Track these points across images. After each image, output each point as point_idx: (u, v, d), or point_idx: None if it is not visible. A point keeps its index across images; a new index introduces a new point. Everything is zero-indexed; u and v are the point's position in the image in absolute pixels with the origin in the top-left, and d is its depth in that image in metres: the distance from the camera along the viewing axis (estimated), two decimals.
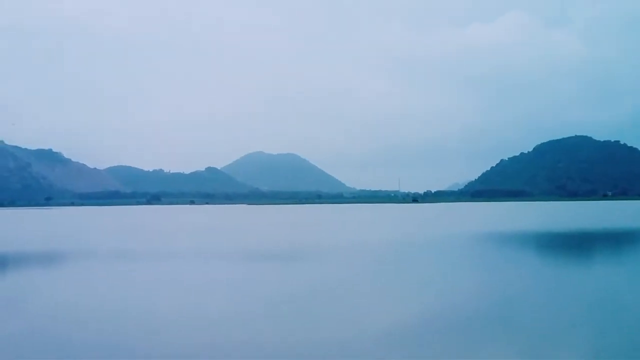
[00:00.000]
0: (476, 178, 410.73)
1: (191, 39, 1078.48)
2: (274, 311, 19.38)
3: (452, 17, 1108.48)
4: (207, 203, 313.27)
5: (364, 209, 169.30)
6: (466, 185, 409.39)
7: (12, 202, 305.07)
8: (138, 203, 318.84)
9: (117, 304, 20.94)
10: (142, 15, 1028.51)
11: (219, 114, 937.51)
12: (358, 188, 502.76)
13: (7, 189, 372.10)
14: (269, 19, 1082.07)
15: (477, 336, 15.59)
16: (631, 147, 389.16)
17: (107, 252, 43.76)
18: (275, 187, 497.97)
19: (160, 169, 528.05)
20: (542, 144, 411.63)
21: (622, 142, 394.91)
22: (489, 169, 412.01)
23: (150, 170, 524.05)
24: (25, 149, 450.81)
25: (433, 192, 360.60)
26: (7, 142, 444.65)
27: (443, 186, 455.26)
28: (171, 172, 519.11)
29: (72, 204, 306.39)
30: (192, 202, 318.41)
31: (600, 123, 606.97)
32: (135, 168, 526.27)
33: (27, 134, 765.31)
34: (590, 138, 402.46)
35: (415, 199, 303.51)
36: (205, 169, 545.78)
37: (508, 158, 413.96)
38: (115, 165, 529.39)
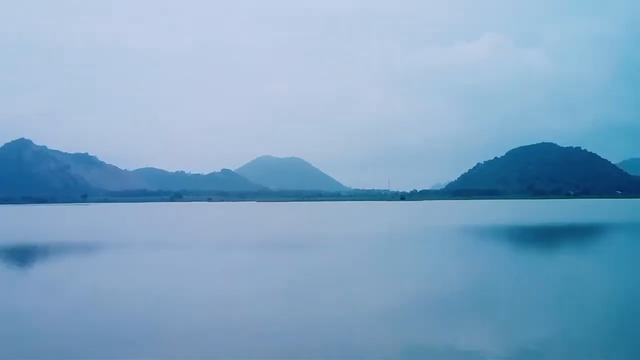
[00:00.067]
0: (456, 179, 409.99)
1: (209, 56, 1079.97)
2: (281, 293, 19.50)
3: (437, 37, 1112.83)
4: (222, 200, 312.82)
5: (359, 206, 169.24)
6: (447, 185, 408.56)
7: (53, 199, 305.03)
8: (162, 200, 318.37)
9: (147, 288, 21.09)
10: (167, 36, 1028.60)
11: (233, 122, 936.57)
12: (354, 187, 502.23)
13: (49, 188, 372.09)
14: (276, 39, 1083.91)
15: (456, 313, 15.75)
16: (591, 152, 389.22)
17: (138, 242, 43.81)
18: (282, 186, 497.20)
19: (182, 171, 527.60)
20: (514, 149, 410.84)
21: (583, 148, 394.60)
22: (467, 170, 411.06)
23: (173, 171, 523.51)
24: (65, 153, 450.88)
25: (419, 191, 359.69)
26: (49, 147, 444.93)
27: (427, 186, 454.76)
28: (191, 173, 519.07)
29: (106, 201, 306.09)
30: (209, 200, 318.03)
31: (564, 131, 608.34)
32: (160, 170, 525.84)
33: (67, 140, 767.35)
34: (556, 144, 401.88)
35: (403, 197, 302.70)
36: (221, 170, 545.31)
37: (484, 161, 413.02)
38: (143, 167, 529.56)
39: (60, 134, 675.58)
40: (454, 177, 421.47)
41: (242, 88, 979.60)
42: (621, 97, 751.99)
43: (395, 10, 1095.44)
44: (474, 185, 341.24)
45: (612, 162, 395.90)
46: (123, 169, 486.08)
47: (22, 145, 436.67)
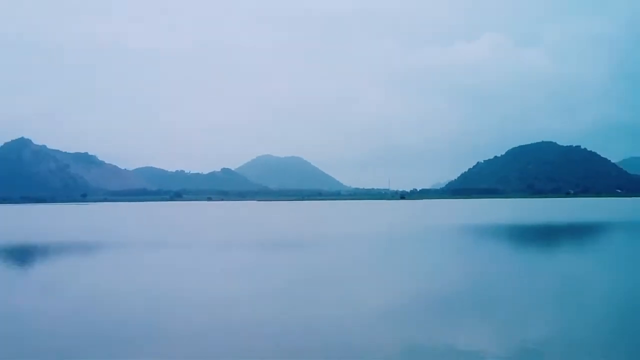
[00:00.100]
0: (456, 178, 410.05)
1: (209, 55, 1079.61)
2: (281, 292, 19.51)
3: (438, 37, 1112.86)
4: (222, 199, 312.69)
5: (359, 205, 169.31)
6: (447, 184, 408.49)
7: (52, 199, 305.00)
8: (162, 199, 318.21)
9: (147, 287, 21.10)
10: (167, 36, 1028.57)
11: (233, 121, 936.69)
12: (354, 186, 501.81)
13: (49, 187, 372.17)
14: (276, 39, 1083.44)
15: (456, 312, 15.76)
16: (591, 151, 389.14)
17: (138, 242, 43.84)
18: (282, 185, 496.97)
19: (182, 170, 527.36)
20: (514, 148, 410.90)
21: (582, 147, 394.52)
22: (467, 170, 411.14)
23: (173, 170, 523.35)
24: (65, 152, 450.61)
25: (419, 190, 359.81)
26: (49, 146, 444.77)
27: (427, 185, 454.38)
28: (191, 172, 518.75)
29: (105, 200, 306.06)
30: (209, 199, 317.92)
31: (564, 130, 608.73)
32: (160, 169, 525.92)
33: (67, 139, 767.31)
34: (555, 143, 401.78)
35: (403, 196, 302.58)
36: (221, 169, 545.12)
37: (484, 160, 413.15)
38: (143, 166, 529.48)
39: (60, 133, 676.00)
40: (454, 176, 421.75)
41: (242, 88, 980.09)
42: (621, 97, 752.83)
43: (395, 10, 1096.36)
44: (474, 184, 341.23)
45: (612, 160, 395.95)
46: (123, 168, 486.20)
47: (21, 144, 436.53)
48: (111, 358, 11.72)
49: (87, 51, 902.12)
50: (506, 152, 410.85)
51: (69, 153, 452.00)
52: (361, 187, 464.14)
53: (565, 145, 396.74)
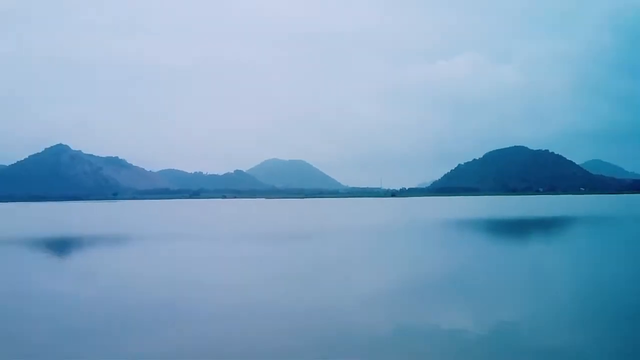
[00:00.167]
0: (440, 178, 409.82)
1: (223, 71, 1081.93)
2: (285, 279, 19.50)
3: (422, 55, 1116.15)
4: (235, 197, 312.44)
5: (355, 202, 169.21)
6: (432, 184, 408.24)
7: (87, 197, 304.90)
8: (182, 197, 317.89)
9: (169, 274, 21.08)
10: (189, 54, 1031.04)
11: (245, 129, 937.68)
12: (350, 186, 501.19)
13: (84, 187, 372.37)
14: (284, 56, 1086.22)
15: (439, 296, 15.79)
16: (558, 154, 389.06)
17: (161, 234, 43.75)
18: (287, 185, 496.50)
19: (200, 172, 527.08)
20: (490, 152, 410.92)
21: (550, 151, 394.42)
22: (449, 171, 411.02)
23: (192, 172, 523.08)
24: (98, 156, 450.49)
25: (407, 188, 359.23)
26: (84, 151, 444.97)
27: (414, 184, 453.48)
28: (208, 173, 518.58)
29: (133, 199, 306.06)
30: (224, 197, 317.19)
31: (534, 136, 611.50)
32: (181, 170, 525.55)
33: (99, 145, 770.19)
34: (526, 148, 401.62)
35: (393, 194, 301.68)
36: (234, 171, 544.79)
37: (464, 163, 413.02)
38: (166, 168, 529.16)
39: (93, 139, 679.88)
40: (438, 176, 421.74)
41: (253, 100, 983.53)
42: (584, 107, 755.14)
43: (385, 34, 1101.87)
44: (456, 183, 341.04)
45: (576, 163, 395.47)
46: (148, 170, 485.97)
47: (60, 150, 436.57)
48: (132, 339, 11.72)
49: (117, 67, 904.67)
50: (484, 155, 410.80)
51: (101, 157, 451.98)
52: (357, 186, 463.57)
53: (535, 149, 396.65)
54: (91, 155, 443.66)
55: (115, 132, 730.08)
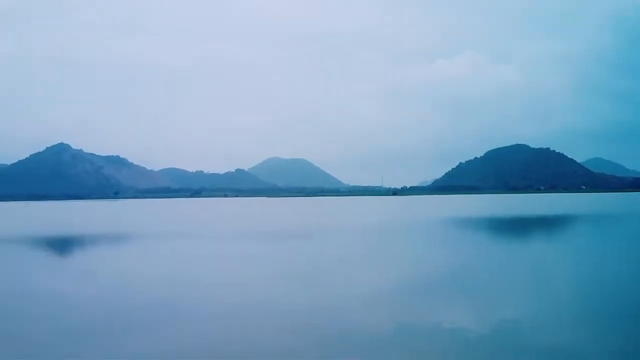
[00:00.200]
0: (441, 176, 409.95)
1: (223, 71, 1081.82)
2: (286, 277, 19.46)
3: (422, 55, 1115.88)
4: (236, 196, 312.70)
5: (356, 201, 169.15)
6: (433, 182, 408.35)
7: (88, 196, 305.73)
8: (184, 196, 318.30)
9: (170, 272, 21.05)
10: (189, 54, 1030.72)
11: (246, 128, 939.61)
12: (352, 184, 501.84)
13: (85, 186, 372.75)
14: (285, 56, 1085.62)
15: (440, 295, 15.73)
16: (559, 152, 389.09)
17: (162, 233, 43.75)
18: (289, 184, 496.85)
19: (201, 170, 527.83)
20: (491, 150, 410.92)
21: (551, 149, 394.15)
22: (450, 169, 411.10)
23: (194, 171, 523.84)
24: (99, 155, 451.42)
25: (408, 187, 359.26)
26: (85, 150, 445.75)
27: (415, 182, 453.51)
28: (209, 172, 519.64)
29: (135, 197, 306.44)
30: (225, 195, 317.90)
31: (535, 134, 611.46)
32: (182, 169, 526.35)
33: (100, 144, 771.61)
34: (527, 146, 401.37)
35: (395, 192, 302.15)
36: (235, 170, 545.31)
37: (465, 161, 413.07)
38: (167, 167, 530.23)
39: (94, 139, 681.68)
40: (439, 174, 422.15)
41: (254, 99, 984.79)
42: (584, 106, 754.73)
43: (386, 33, 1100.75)
44: (457, 182, 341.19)
45: (577, 161, 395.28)
46: (150, 169, 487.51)
47: (61, 149, 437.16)
48: (134, 337, 11.68)
49: (117, 67, 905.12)
50: (484, 154, 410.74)
51: (102, 156, 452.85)
52: (358, 184, 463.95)
53: (536, 147, 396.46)
54: (92, 154, 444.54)
55: (116, 132, 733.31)
